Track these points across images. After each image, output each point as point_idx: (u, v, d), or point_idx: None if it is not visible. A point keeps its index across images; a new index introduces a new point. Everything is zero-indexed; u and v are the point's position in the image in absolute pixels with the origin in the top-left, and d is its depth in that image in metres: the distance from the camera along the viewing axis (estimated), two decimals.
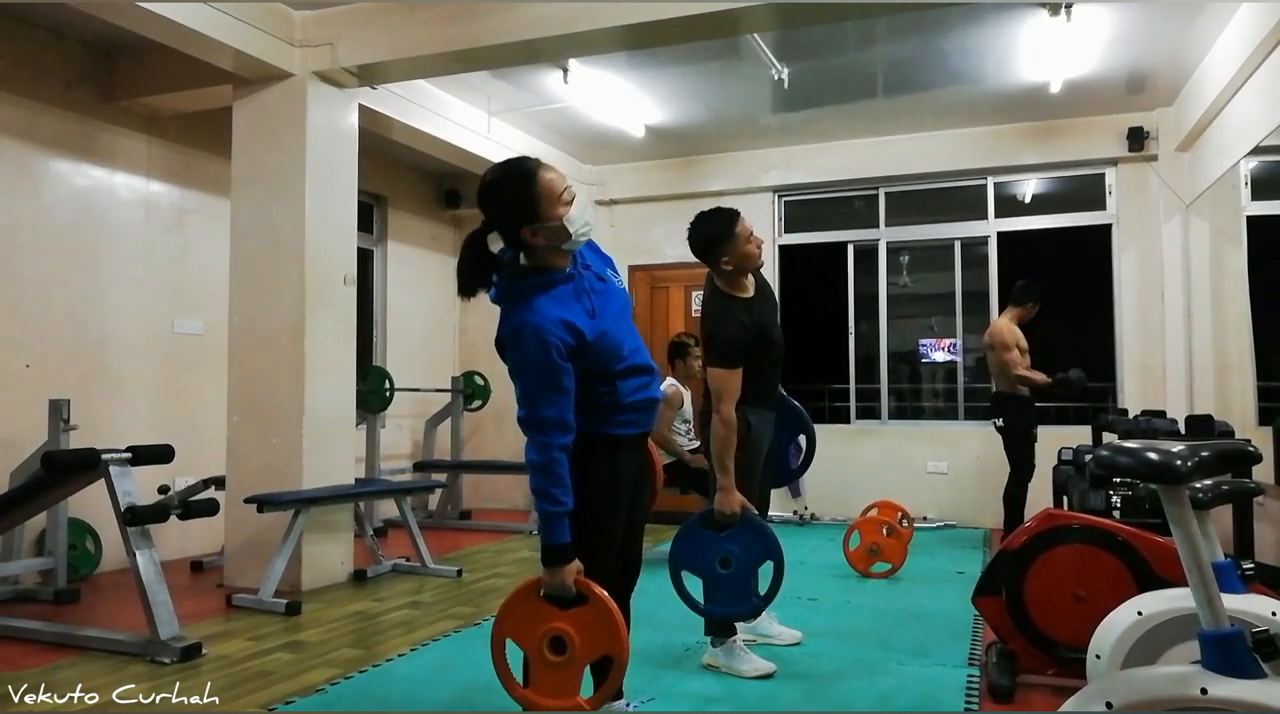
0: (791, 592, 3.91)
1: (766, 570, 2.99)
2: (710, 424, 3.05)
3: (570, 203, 2.10)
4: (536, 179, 2.09)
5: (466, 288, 2.15)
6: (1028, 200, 7.01)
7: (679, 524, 5.51)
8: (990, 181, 6.84)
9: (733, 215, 3.15)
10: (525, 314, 2.08)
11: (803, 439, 3.70)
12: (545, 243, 2.12)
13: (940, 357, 7.18)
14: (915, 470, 6.77)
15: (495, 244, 2.17)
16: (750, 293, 3.20)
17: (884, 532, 4.89)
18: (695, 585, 3.06)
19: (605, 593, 2.07)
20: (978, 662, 3.25)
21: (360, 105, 5.01)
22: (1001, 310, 5.56)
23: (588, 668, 2.12)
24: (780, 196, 7.38)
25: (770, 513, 3.87)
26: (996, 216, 6.85)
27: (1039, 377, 5.28)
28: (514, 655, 2.13)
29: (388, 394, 6.42)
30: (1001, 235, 6.81)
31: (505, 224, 2.12)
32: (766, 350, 3.19)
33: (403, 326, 7.41)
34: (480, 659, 2.23)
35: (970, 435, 6.63)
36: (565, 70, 5.41)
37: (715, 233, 3.12)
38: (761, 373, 3.17)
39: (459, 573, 4.89)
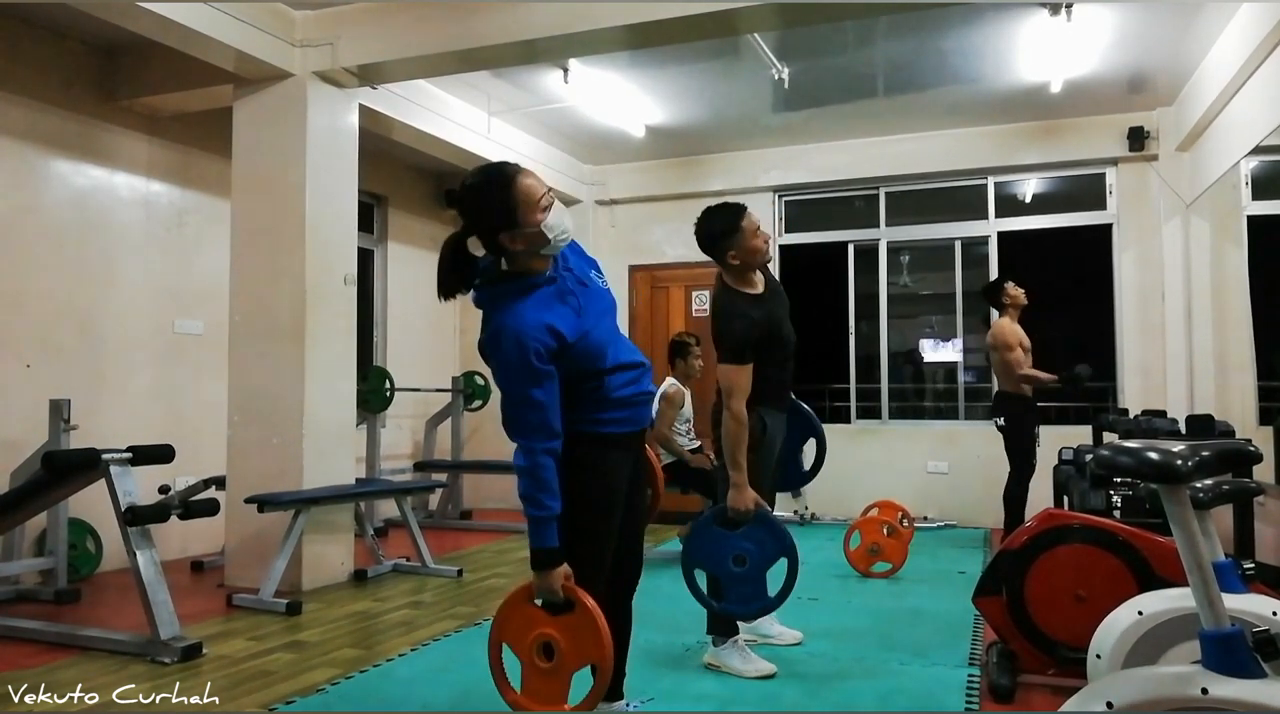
0: (792, 592, 3.90)
1: (778, 569, 2.98)
2: (721, 422, 3.04)
3: (548, 209, 2.09)
4: (514, 185, 2.09)
5: (445, 290, 2.16)
6: (1028, 200, 7.01)
7: (679, 524, 5.54)
8: (991, 181, 6.84)
9: (740, 209, 3.15)
10: (504, 318, 2.10)
11: (812, 443, 3.70)
12: (524, 248, 2.12)
13: (944, 356, 7.19)
14: (916, 470, 6.77)
15: (478, 247, 2.17)
16: (760, 289, 3.19)
17: (885, 531, 4.89)
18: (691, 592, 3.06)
19: (592, 600, 2.08)
20: (978, 661, 3.25)
21: (360, 105, 5.01)
22: (1000, 313, 5.56)
23: (588, 672, 2.12)
24: (780, 196, 7.37)
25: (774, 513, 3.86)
26: (997, 216, 6.85)
27: (1045, 376, 5.26)
28: (513, 662, 2.14)
29: (388, 394, 6.42)
30: (1002, 235, 6.81)
31: (484, 229, 2.12)
32: (777, 347, 3.18)
33: (403, 326, 7.41)
34: (480, 659, 2.24)
35: (971, 435, 6.63)
36: (565, 70, 5.41)
37: (722, 226, 3.11)
38: (773, 371, 3.17)
39: (459, 573, 4.89)
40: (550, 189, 2.15)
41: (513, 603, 2.17)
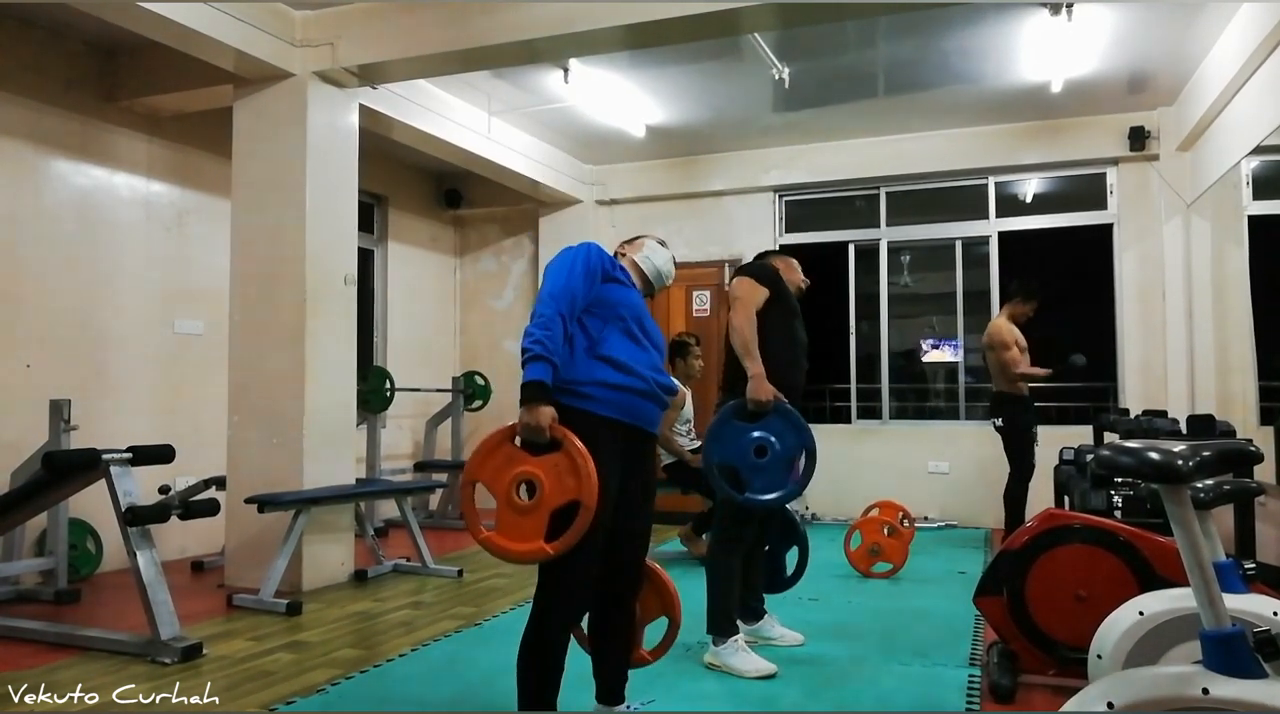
0: (792, 592, 3.90)
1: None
2: (729, 324, 3.18)
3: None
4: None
5: None
6: (1029, 200, 7.01)
7: (680, 524, 5.54)
8: (991, 181, 6.83)
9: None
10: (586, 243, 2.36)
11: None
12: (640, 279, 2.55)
13: (944, 356, 7.18)
14: (916, 470, 6.77)
15: (643, 251, 2.57)
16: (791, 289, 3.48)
17: (885, 532, 4.88)
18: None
19: (576, 438, 2.10)
20: (979, 662, 3.24)
21: (360, 105, 5.01)
22: (1000, 310, 5.56)
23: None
24: (781, 196, 7.37)
25: None
26: (998, 216, 6.85)
27: (1040, 371, 5.27)
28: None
29: (388, 394, 6.42)
30: (1003, 235, 6.81)
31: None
32: (792, 330, 3.30)
33: (403, 326, 7.41)
34: (481, 659, 2.24)
35: (971, 435, 6.62)
36: (566, 70, 5.41)
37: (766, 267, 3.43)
38: (787, 368, 3.20)
39: (460, 573, 4.89)
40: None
41: (492, 442, 2.19)
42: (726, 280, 6.86)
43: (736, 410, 3.06)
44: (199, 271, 5.44)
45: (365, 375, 6.21)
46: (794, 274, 3.57)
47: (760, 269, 3.37)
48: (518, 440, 2.16)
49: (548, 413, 2.10)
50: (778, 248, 7.17)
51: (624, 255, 2.59)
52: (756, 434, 3.02)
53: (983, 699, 2.86)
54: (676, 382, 5.26)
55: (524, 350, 2.15)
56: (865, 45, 5.22)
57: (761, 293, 3.23)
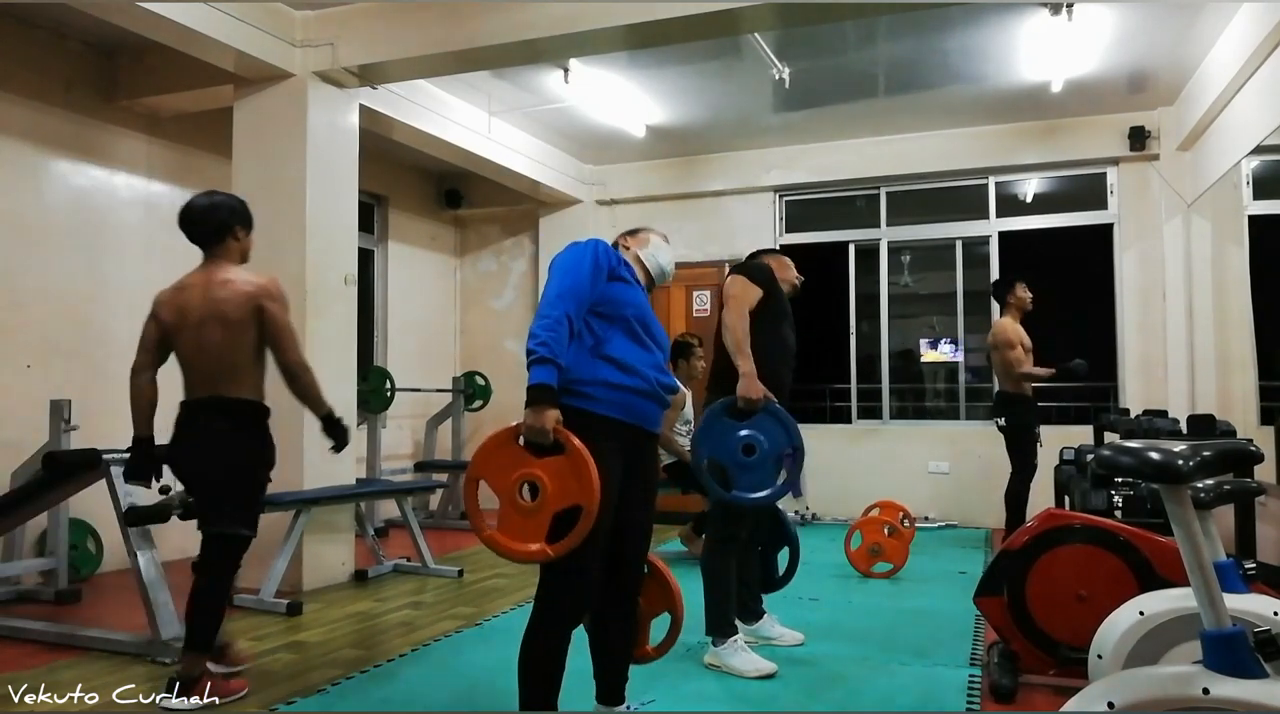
0: (793, 592, 3.90)
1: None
2: (721, 322, 3.19)
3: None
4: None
5: None
6: (1029, 200, 7.01)
7: (680, 524, 5.53)
8: (992, 181, 6.83)
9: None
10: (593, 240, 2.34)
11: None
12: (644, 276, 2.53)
13: (945, 356, 7.18)
14: (916, 470, 6.76)
15: (649, 247, 2.57)
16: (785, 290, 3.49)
17: (885, 531, 4.88)
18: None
19: (580, 443, 2.10)
20: (979, 661, 3.24)
21: (361, 105, 5.01)
22: (1002, 312, 5.56)
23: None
24: (781, 196, 7.37)
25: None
26: (998, 216, 6.85)
27: (1043, 371, 5.27)
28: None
29: (388, 394, 6.42)
30: (1003, 235, 6.81)
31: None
32: (782, 332, 3.31)
33: (403, 327, 7.41)
34: (482, 659, 2.24)
35: (972, 435, 6.62)
36: (566, 70, 5.41)
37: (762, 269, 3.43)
38: (777, 367, 3.20)
39: (460, 573, 4.89)
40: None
41: (496, 443, 2.19)
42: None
43: (726, 408, 3.06)
44: None
45: (365, 375, 6.21)
46: (787, 272, 3.59)
47: (755, 269, 3.38)
48: (521, 440, 2.16)
49: (552, 415, 2.10)
50: (778, 247, 7.18)
51: (627, 248, 2.59)
52: (745, 432, 3.01)
53: (983, 699, 2.86)
54: (678, 381, 5.26)
55: (529, 351, 2.15)
56: (865, 45, 5.22)
57: (755, 292, 3.24)
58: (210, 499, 2.96)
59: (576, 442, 2.10)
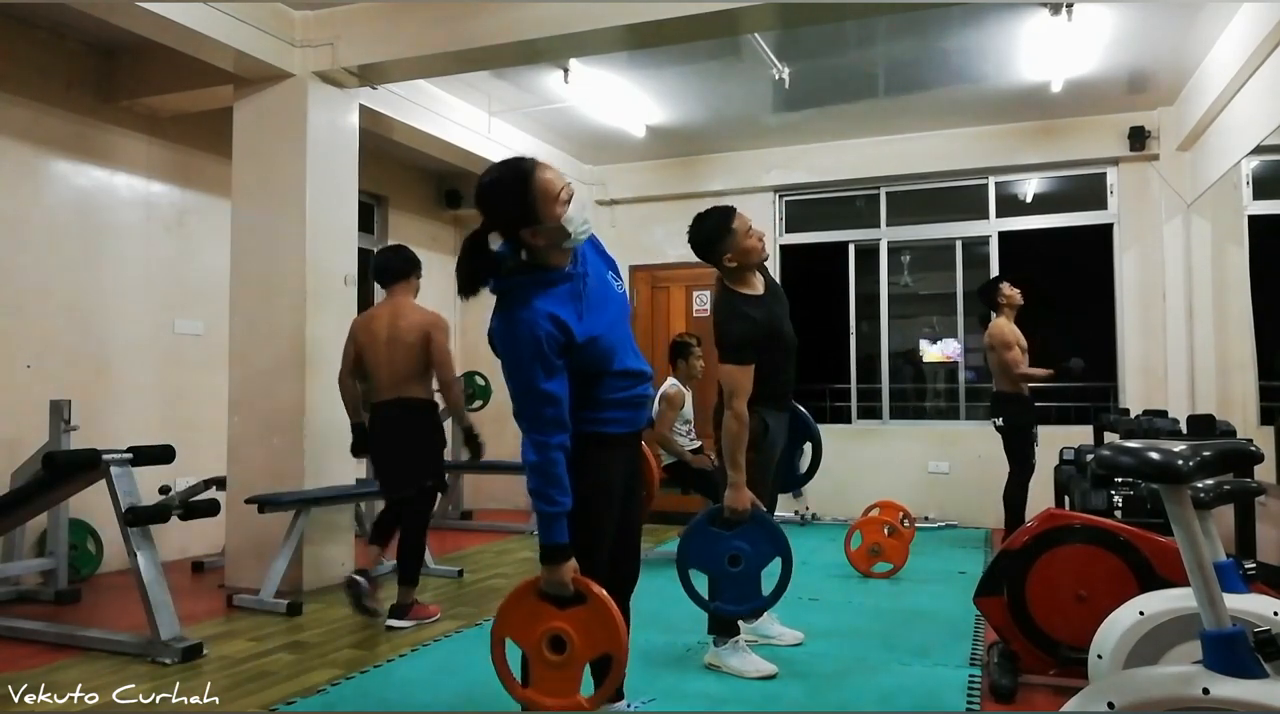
0: (793, 592, 3.87)
1: (771, 568, 2.98)
2: (722, 423, 3.04)
3: (568, 202, 2.08)
4: (533, 179, 2.07)
5: (466, 288, 2.13)
6: (1029, 200, 7.01)
7: (680, 524, 5.53)
8: (991, 181, 6.83)
9: (729, 211, 3.17)
10: (519, 310, 2.07)
11: (808, 446, 3.69)
12: (545, 243, 2.11)
13: (944, 356, 7.18)
14: (916, 470, 6.76)
15: (496, 242, 2.16)
16: (759, 290, 3.20)
17: (885, 532, 4.88)
18: (698, 590, 3.05)
19: (604, 592, 2.06)
20: (979, 662, 3.24)
21: (360, 105, 5.01)
22: (996, 314, 5.56)
23: (587, 667, 2.12)
24: (781, 196, 7.37)
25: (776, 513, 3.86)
26: (998, 216, 6.84)
27: (1041, 372, 5.28)
28: (513, 655, 2.13)
29: None
30: (1003, 235, 6.81)
31: (504, 225, 2.11)
32: (778, 348, 3.19)
33: None
34: (481, 659, 2.23)
35: (971, 435, 6.62)
36: (565, 70, 5.41)
37: (713, 230, 3.14)
38: (774, 371, 3.17)
39: (460, 573, 4.89)
40: (570, 182, 2.14)
41: (517, 597, 2.14)
42: None
43: (712, 517, 3.02)
44: (199, 272, 5.44)
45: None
46: (749, 240, 3.13)
47: (741, 339, 3.05)
48: (541, 592, 2.11)
49: (569, 569, 2.07)
50: (777, 247, 7.18)
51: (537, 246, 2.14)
52: (732, 542, 2.97)
53: (983, 699, 2.86)
54: (675, 379, 5.26)
55: (536, 509, 2.09)
56: (865, 45, 5.22)
57: (748, 374, 3.04)
58: (406, 467, 3.90)
59: (597, 590, 2.06)
